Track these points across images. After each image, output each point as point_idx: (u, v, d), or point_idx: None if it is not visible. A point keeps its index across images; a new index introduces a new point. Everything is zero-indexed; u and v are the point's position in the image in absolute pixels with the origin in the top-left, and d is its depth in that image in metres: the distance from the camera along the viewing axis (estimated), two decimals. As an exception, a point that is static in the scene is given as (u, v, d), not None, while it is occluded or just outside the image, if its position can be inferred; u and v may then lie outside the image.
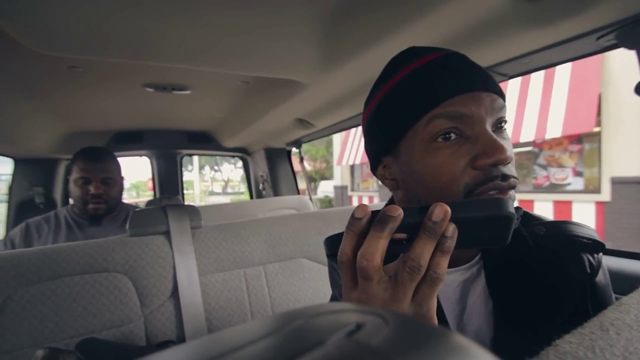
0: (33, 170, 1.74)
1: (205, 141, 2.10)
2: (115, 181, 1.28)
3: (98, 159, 1.24)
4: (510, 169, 0.40)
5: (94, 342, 0.71)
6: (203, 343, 0.12)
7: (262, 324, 0.13)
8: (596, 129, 4.55)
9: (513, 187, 0.40)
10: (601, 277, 0.46)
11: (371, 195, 9.07)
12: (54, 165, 1.81)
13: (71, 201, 1.31)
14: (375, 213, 0.30)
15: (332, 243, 0.53)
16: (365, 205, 0.30)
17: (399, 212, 0.28)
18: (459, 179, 0.40)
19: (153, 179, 2.17)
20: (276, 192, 2.20)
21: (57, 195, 1.84)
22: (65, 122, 1.53)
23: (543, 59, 0.77)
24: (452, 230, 0.28)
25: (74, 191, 1.24)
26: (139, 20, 0.64)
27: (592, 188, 4.84)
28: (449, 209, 0.28)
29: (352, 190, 9.92)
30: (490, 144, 0.38)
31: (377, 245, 0.28)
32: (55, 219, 1.28)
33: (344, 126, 1.53)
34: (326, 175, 13.63)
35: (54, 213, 1.30)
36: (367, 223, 0.30)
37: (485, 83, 0.41)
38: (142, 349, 0.79)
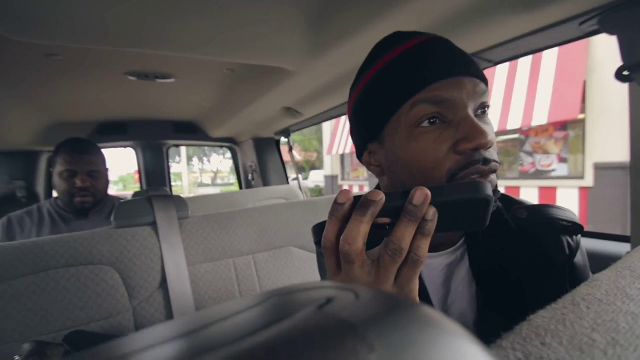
0: (13, 164, 1.69)
1: (191, 131, 2.07)
2: (101, 174, 1.26)
3: (84, 151, 1.21)
4: (492, 153, 0.41)
5: (82, 334, 0.70)
6: (187, 319, 0.12)
7: (242, 301, 0.13)
8: (581, 116, 4.64)
9: (494, 171, 0.41)
10: (579, 258, 0.48)
11: (362, 184, 9.12)
12: (35, 158, 1.76)
13: (55, 194, 1.28)
14: (357, 198, 0.30)
15: (320, 230, 0.54)
16: (347, 191, 0.31)
17: (381, 197, 0.29)
18: (442, 163, 0.40)
19: (139, 171, 2.13)
20: (265, 182, 2.19)
21: (40, 188, 1.79)
22: (45, 113, 1.48)
23: (528, 45, 0.78)
24: (432, 213, 0.29)
25: (59, 185, 1.21)
26: (120, 6, 0.62)
27: (576, 174, 4.97)
28: (429, 192, 0.28)
29: (343, 179, 9.95)
30: (472, 129, 0.39)
31: (359, 230, 0.29)
32: (39, 213, 1.25)
33: (332, 114, 1.52)
34: (316, 165, 13.62)
35: (36, 207, 1.27)
36: (349, 208, 0.30)
37: (467, 68, 0.41)
38: (131, 340, 0.79)
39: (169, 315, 0.87)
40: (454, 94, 0.40)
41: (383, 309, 0.11)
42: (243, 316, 0.12)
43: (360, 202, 0.29)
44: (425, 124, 0.41)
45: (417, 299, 0.31)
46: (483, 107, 0.43)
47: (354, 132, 0.51)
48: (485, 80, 0.43)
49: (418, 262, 0.29)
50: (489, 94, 0.44)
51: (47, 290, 0.77)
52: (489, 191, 0.29)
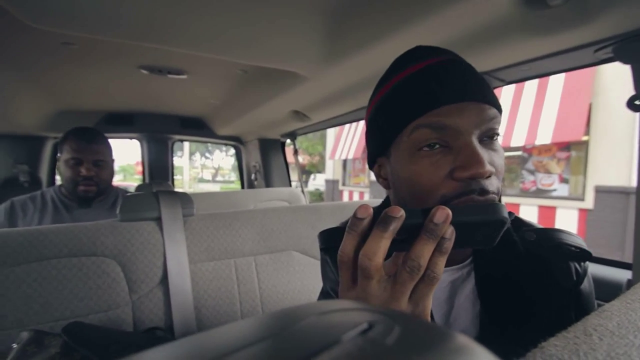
0: (18, 147, 1.69)
1: (198, 127, 2.07)
2: (107, 163, 1.26)
3: (91, 140, 1.21)
4: (491, 184, 0.40)
5: (80, 326, 0.70)
6: (210, 338, 0.12)
7: (270, 319, 0.13)
8: (584, 138, 4.65)
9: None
10: (586, 285, 0.48)
11: (362, 190, 9.12)
12: (40, 143, 1.76)
13: (58, 181, 1.28)
14: (376, 213, 0.30)
15: (327, 237, 0.54)
16: (367, 206, 0.31)
17: (402, 213, 0.29)
18: (437, 188, 0.40)
19: (143, 163, 2.13)
20: (268, 183, 2.19)
21: (43, 174, 1.79)
22: (54, 100, 1.49)
23: (541, 68, 0.78)
24: (450, 232, 0.29)
25: (64, 172, 1.21)
26: (140, 0, 0.63)
27: (577, 195, 4.97)
28: (450, 212, 0.29)
29: (343, 185, 9.95)
30: (470, 157, 0.38)
31: (380, 245, 0.29)
32: (42, 199, 1.25)
33: (340, 121, 1.53)
34: (318, 168, 13.63)
35: (40, 193, 1.28)
36: (369, 223, 0.30)
37: (474, 93, 0.41)
38: (129, 335, 0.79)
39: (167, 312, 0.87)
40: (456, 120, 0.40)
41: (425, 337, 0.11)
42: (279, 339, 0.11)
43: (381, 218, 0.29)
44: (426, 147, 0.41)
45: (429, 317, 0.32)
46: (491, 133, 0.42)
47: (367, 143, 0.52)
48: (496, 105, 0.43)
49: (434, 279, 0.30)
50: (499, 119, 0.43)
51: (48, 278, 0.77)
52: (505, 213, 0.30)
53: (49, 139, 1.79)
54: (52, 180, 1.83)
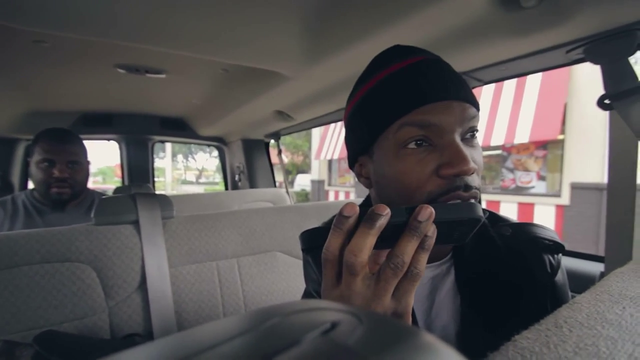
0: None
1: (179, 128, 2.03)
2: (81, 165, 1.22)
3: (64, 141, 1.17)
4: (474, 180, 0.41)
5: (53, 335, 0.67)
6: (176, 340, 0.12)
7: (236, 321, 0.13)
8: (560, 137, 4.83)
9: (474, 197, 0.41)
10: (560, 277, 0.49)
11: (347, 190, 9.17)
12: (12, 145, 1.69)
13: (30, 185, 1.23)
14: (362, 212, 0.31)
15: (308, 238, 0.54)
16: (353, 204, 0.31)
17: (387, 211, 0.30)
18: (423, 186, 0.41)
19: (122, 165, 2.07)
20: (252, 184, 2.17)
21: (15, 178, 1.72)
22: (27, 100, 1.42)
23: (517, 68, 0.81)
24: (432, 230, 0.30)
25: (35, 174, 1.16)
26: None
27: (554, 192, 5.16)
28: (433, 210, 0.30)
29: (329, 185, 9.98)
30: (455, 155, 0.39)
31: (366, 242, 0.29)
32: (13, 204, 1.20)
33: (324, 121, 1.53)
34: (303, 168, 13.61)
35: (11, 197, 1.22)
36: (355, 221, 0.31)
37: (457, 92, 0.42)
38: (106, 342, 0.76)
39: (147, 317, 0.84)
40: (441, 118, 0.40)
41: (388, 336, 0.11)
42: (243, 339, 0.11)
43: (367, 215, 0.30)
44: (412, 145, 0.41)
45: (410, 313, 0.32)
46: (471, 131, 0.43)
47: (347, 142, 0.52)
48: (475, 104, 0.44)
49: (417, 276, 0.30)
50: (478, 117, 0.44)
51: (19, 286, 0.73)
52: (481, 212, 0.32)
53: (21, 141, 1.72)
54: (24, 185, 1.75)
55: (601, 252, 0.79)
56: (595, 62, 0.66)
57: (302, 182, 12.64)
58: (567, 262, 0.92)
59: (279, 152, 2.03)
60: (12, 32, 0.74)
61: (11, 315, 0.72)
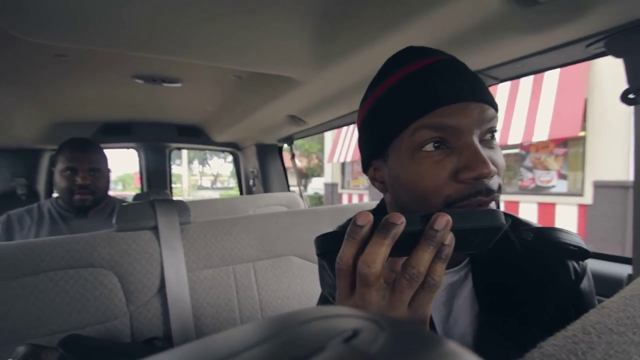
0: (16, 161, 1.69)
1: (195, 135, 2.07)
2: (102, 172, 1.26)
3: (85, 150, 1.22)
4: (494, 183, 0.40)
5: (77, 339, 0.69)
6: (198, 347, 0.12)
7: (258, 327, 0.13)
8: (581, 133, 4.66)
9: (495, 201, 0.40)
10: (586, 284, 0.47)
11: (361, 193, 9.11)
12: (37, 155, 1.76)
13: (55, 194, 1.28)
14: (376, 220, 0.30)
15: (323, 242, 0.53)
16: (367, 212, 0.30)
17: (402, 220, 0.28)
18: (441, 190, 0.40)
19: (140, 172, 2.13)
20: (267, 189, 2.18)
21: (40, 187, 1.79)
22: (50, 112, 1.49)
23: (534, 64, 0.78)
24: (450, 238, 0.29)
25: (59, 182, 1.21)
26: (131, 10, 0.63)
27: (575, 191, 4.97)
28: (450, 218, 0.28)
29: (343, 187, 9.95)
30: (474, 158, 0.38)
31: (380, 252, 0.28)
32: (39, 211, 1.25)
33: (336, 124, 1.53)
34: (317, 172, 13.62)
35: (37, 205, 1.27)
36: (369, 230, 0.30)
37: (474, 93, 0.41)
38: (127, 346, 0.78)
39: (166, 321, 0.86)
40: (458, 120, 0.39)
41: (411, 344, 0.11)
42: (264, 347, 0.11)
43: (381, 224, 0.29)
44: (429, 147, 0.40)
45: (428, 324, 0.31)
46: (491, 132, 0.42)
47: (360, 146, 0.51)
48: (493, 105, 0.42)
49: (435, 286, 0.29)
50: (497, 118, 0.43)
51: (45, 291, 0.76)
52: (503, 219, 0.30)
53: (46, 152, 1.79)
54: (49, 193, 1.82)
55: (627, 254, 0.76)
56: (617, 55, 0.63)
57: (315, 185, 12.65)
58: (592, 264, 0.88)
59: (292, 156, 2.04)
60: (35, 47, 0.78)
61: (37, 319, 0.75)
